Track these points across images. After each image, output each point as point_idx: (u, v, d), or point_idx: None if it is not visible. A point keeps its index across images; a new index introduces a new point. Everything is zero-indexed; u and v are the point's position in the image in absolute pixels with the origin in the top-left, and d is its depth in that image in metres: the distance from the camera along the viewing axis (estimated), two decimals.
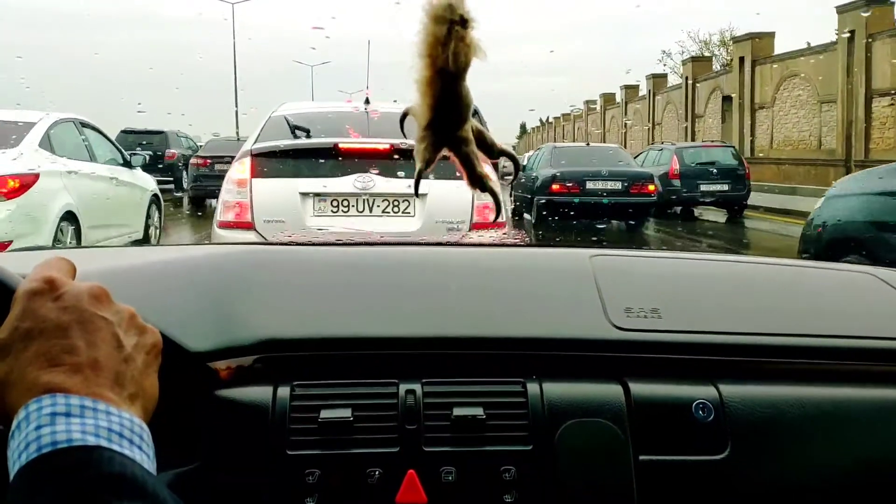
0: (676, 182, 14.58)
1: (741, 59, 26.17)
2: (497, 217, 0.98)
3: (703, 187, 14.44)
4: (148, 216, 8.42)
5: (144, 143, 15.66)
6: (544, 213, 11.23)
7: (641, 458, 0.87)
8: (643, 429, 0.88)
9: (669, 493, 0.87)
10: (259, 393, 0.87)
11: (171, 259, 1.18)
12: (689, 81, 31.35)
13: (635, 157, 16.02)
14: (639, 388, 0.91)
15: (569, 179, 11.24)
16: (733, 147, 17.99)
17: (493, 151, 0.82)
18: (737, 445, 0.88)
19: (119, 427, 0.49)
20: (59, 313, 0.52)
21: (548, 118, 56.54)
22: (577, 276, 1.07)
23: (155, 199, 8.76)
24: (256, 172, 3.95)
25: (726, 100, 27.73)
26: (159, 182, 9.76)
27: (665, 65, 42.64)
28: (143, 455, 0.50)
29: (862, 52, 19.85)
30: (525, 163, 13.23)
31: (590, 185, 10.93)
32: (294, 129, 4.15)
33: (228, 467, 0.84)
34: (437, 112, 0.72)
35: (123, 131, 16.93)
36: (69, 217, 6.41)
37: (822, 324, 1.02)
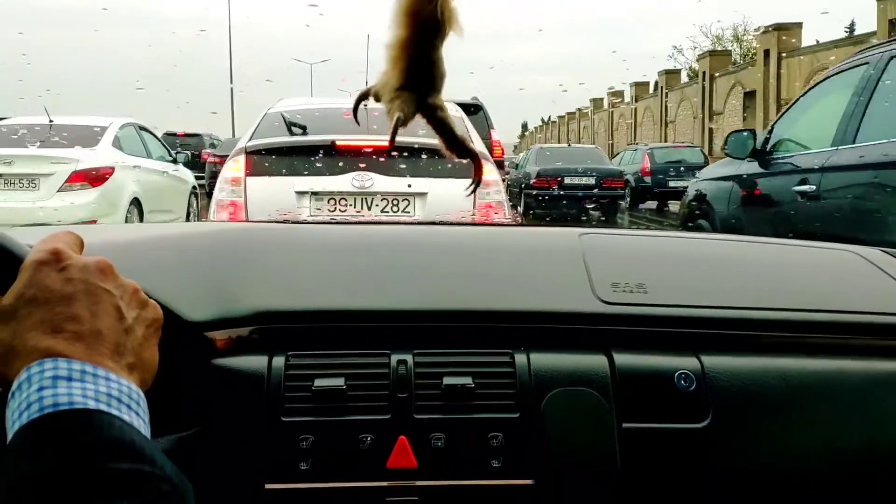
0: (648, 179, 17.59)
1: (766, 52, 26.01)
2: (477, 183, 0.94)
3: (672, 183, 16.79)
4: (189, 204, 10.66)
5: (184, 143, 18.67)
6: (529, 203, 14.12)
7: (625, 425, 0.95)
8: (627, 397, 0.96)
9: (652, 460, 0.95)
10: (255, 362, 0.96)
11: (170, 234, 1.27)
12: (707, 76, 30.79)
13: (614, 157, 20.19)
14: (623, 359, 0.98)
15: (550, 175, 14.26)
16: (700, 147, 20.74)
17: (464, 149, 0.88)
18: (718, 414, 0.96)
19: (118, 393, 0.54)
20: (64, 283, 0.57)
21: (549, 117, 57.97)
22: (566, 253, 1.16)
23: (194, 191, 11.09)
24: (251, 170, 4.05)
25: (749, 95, 27.34)
26: (196, 178, 12.22)
27: (676, 60, 43.07)
28: (140, 421, 0.56)
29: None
30: (518, 161, 16.24)
31: (567, 180, 13.90)
32: (290, 126, 4.27)
33: (225, 433, 0.92)
34: (410, 75, 0.77)
35: (166, 133, 19.43)
36: (135, 202, 8.59)
37: (803, 299, 1.09)
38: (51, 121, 8.73)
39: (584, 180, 13.98)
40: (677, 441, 0.94)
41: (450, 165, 3.76)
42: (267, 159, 4.18)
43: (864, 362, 1.02)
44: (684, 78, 37.41)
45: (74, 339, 0.55)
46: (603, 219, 14.64)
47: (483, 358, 0.97)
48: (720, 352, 1.00)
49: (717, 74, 30.61)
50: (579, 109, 49.24)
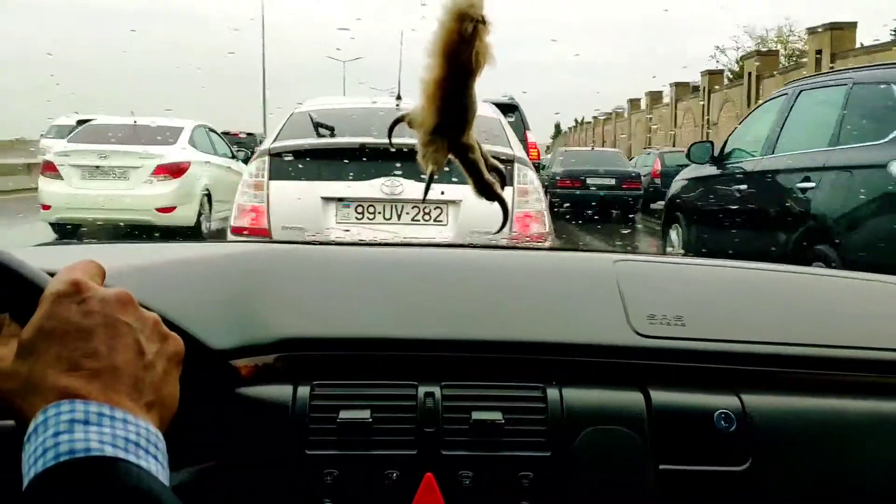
0: (658, 181, 18.53)
1: (818, 53, 25.19)
2: (503, 225, 0.85)
3: None
4: None
5: (240, 143, 20.25)
6: (554, 203, 15.60)
7: (662, 466, 0.94)
8: (664, 437, 0.95)
9: (689, 503, 0.94)
10: (279, 392, 0.97)
11: (192, 257, 1.29)
12: (753, 77, 30.69)
13: (631, 160, 22.03)
14: (660, 396, 0.98)
15: (574, 176, 16.10)
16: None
17: (485, 165, 0.87)
18: (759, 457, 0.95)
19: (136, 437, 0.54)
20: (83, 317, 0.57)
21: (583, 118, 58.27)
22: (601, 280, 1.16)
23: None
24: (274, 174, 3.99)
25: None
26: None
27: (718, 61, 42.55)
28: (158, 465, 0.55)
29: None
30: (544, 163, 17.97)
31: (590, 181, 15.73)
32: (317, 127, 4.13)
33: (246, 465, 0.93)
34: (443, 116, 0.79)
35: (223, 132, 22.38)
36: (206, 193, 10.26)
37: (846, 334, 1.09)
38: (135, 121, 10.65)
39: (606, 181, 15.74)
40: (716, 484, 0.94)
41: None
42: (291, 162, 4.09)
43: None
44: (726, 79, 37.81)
45: (92, 376, 0.55)
46: (622, 217, 16.29)
47: (514, 392, 0.98)
48: (762, 390, 1.00)
49: (762, 76, 30.12)
50: (615, 111, 49.67)
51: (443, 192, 3.98)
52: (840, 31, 24.42)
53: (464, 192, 3.93)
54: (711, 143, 6.87)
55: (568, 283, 1.19)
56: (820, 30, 24.99)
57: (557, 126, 73.97)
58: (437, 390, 0.97)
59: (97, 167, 9.37)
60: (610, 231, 14.15)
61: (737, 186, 5.95)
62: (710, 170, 6.48)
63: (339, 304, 1.10)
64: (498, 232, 1.12)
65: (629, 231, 15.17)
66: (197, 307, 1.02)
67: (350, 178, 4.08)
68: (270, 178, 4.05)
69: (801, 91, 5.69)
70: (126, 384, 0.57)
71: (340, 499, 0.91)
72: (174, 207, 9.65)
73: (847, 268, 3.98)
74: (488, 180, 0.86)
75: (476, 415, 0.94)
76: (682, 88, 38.96)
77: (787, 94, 5.87)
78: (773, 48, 36.86)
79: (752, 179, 5.68)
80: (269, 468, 0.93)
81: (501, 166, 0.90)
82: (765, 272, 1.31)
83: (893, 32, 32.12)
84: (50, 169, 9.41)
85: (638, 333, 1.04)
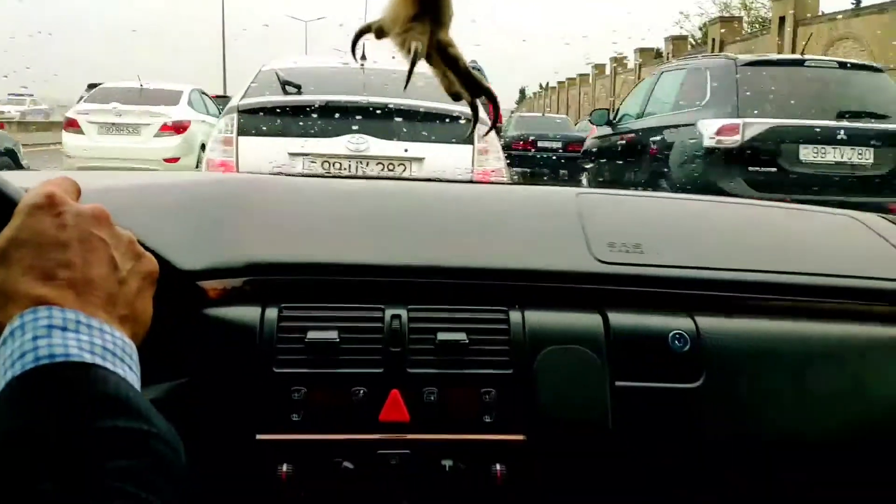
0: None
1: (781, 19, 25.16)
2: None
3: None
4: None
5: (217, 104, 22.90)
6: (510, 163, 18.40)
7: (617, 383, 1.01)
8: (620, 356, 1.03)
9: (643, 418, 1.02)
10: (247, 313, 1.01)
11: (165, 183, 1.34)
12: (717, 44, 30.46)
13: (576, 125, 24.07)
14: (618, 318, 1.05)
15: (525, 139, 18.31)
16: None
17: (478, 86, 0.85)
18: (711, 375, 1.03)
19: (112, 346, 0.56)
20: (58, 229, 0.59)
21: (548, 83, 58.96)
22: (564, 211, 1.24)
23: None
24: (243, 130, 4.28)
25: None
26: None
27: (682, 27, 42.61)
28: (133, 375, 0.58)
29: None
30: (505, 126, 20.51)
31: (540, 143, 18.05)
32: (284, 85, 4.43)
33: (216, 383, 0.98)
34: (420, 5, 0.78)
35: (215, 96, 24.42)
36: (202, 147, 11.12)
37: (799, 262, 1.17)
38: (141, 85, 12.71)
39: (553, 144, 18.02)
40: (669, 400, 1.02)
41: (447, 131, 4.25)
42: (259, 119, 4.34)
43: (860, 327, 1.10)
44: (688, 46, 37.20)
45: (66, 286, 0.57)
46: (570, 176, 18.64)
47: (478, 314, 1.04)
48: (715, 313, 1.08)
49: (726, 42, 29.87)
50: (580, 75, 49.84)
51: (406, 150, 4.33)
52: None
53: (426, 149, 4.14)
54: (607, 109, 9.30)
55: (532, 213, 1.27)
56: None
57: (522, 91, 75.93)
58: (403, 312, 1.03)
59: (113, 124, 11.17)
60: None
61: (620, 141, 8.35)
62: (607, 130, 8.66)
63: (308, 230, 1.16)
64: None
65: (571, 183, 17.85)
66: (167, 229, 1.06)
67: (317, 134, 4.33)
68: (239, 134, 4.31)
69: (662, 72, 8.32)
70: (100, 297, 0.59)
71: (308, 414, 0.97)
72: (178, 158, 11.29)
73: (673, 190, 6.33)
74: (476, 76, 0.86)
75: (441, 335, 1.00)
76: (646, 54, 39.38)
77: (654, 74, 8.54)
78: (737, 14, 36.72)
79: (629, 135, 7.97)
80: (239, 385, 0.98)
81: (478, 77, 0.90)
82: (720, 204, 1.41)
83: (854, 1, 34.07)
84: (72, 125, 11.22)
85: (598, 260, 1.12)
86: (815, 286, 1.14)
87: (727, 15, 35.67)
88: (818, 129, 6.13)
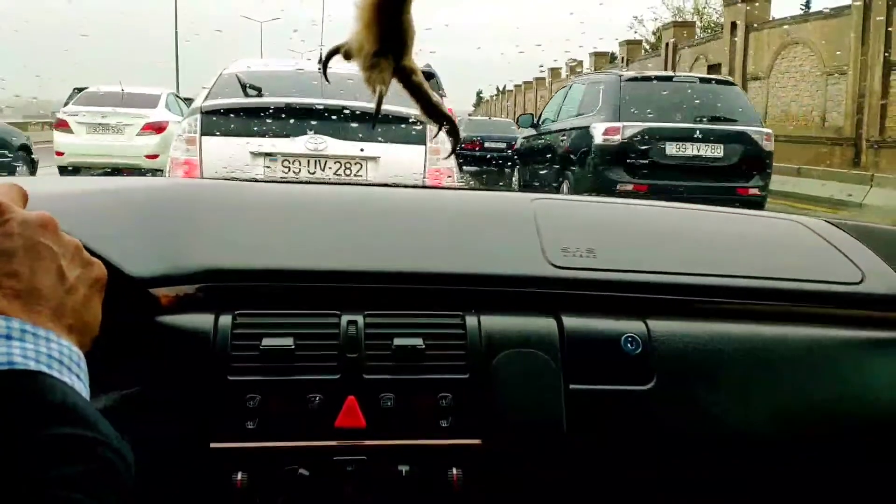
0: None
1: (733, 25, 25.86)
2: (455, 147, 0.92)
3: None
4: None
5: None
6: (460, 161, 20.84)
7: (572, 386, 1.05)
8: (574, 360, 1.06)
9: (597, 420, 1.05)
10: (200, 320, 1.02)
11: (114, 188, 1.32)
12: (671, 48, 30.80)
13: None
14: (571, 322, 1.09)
15: (473, 141, 20.41)
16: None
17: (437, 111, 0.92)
18: (662, 377, 1.07)
19: (59, 355, 0.57)
20: (4, 238, 0.59)
21: (504, 86, 60.17)
22: (519, 217, 1.28)
23: None
24: (205, 130, 4.64)
25: (713, 69, 26.75)
26: None
27: (636, 32, 43.45)
28: (81, 384, 0.58)
29: (883, 16, 18.99)
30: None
31: (487, 144, 20.41)
32: (245, 88, 4.81)
33: (170, 391, 0.98)
34: (383, 39, 0.82)
35: (186, 98, 25.87)
36: None
37: (748, 266, 1.22)
38: (122, 90, 13.91)
39: (499, 145, 20.22)
40: (622, 402, 1.06)
41: (401, 132, 4.63)
42: (222, 120, 4.66)
43: (806, 329, 1.15)
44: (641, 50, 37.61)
45: (13, 296, 0.57)
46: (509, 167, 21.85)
47: (434, 320, 1.07)
48: (666, 316, 1.12)
49: (679, 46, 30.37)
50: (536, 79, 51.27)
51: (362, 150, 4.68)
52: (755, 3, 24.86)
53: (381, 149, 4.65)
54: (532, 114, 11.58)
55: (488, 218, 1.31)
56: (738, 3, 25.13)
57: (479, 94, 78.33)
58: (359, 318, 1.05)
59: (99, 124, 12.66)
60: (497, 180, 19.04)
61: (541, 140, 10.07)
62: (532, 132, 10.54)
63: (261, 237, 1.17)
64: (451, 154, 0.87)
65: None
66: (116, 235, 1.06)
67: (277, 134, 4.66)
68: (202, 134, 4.63)
69: (573, 84, 10.67)
70: (47, 306, 0.59)
71: (263, 421, 0.97)
72: (158, 155, 12.28)
73: (574, 186, 8.41)
74: (435, 101, 0.91)
75: (398, 341, 1.02)
76: (601, 58, 40.30)
77: (567, 85, 11.00)
78: (689, 20, 37.51)
79: (547, 136, 9.91)
80: (192, 393, 0.98)
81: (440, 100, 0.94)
82: (672, 210, 1.44)
83: (803, 6, 31.83)
84: (62, 125, 12.75)
85: (552, 265, 1.16)
86: (764, 289, 1.19)
87: (680, 20, 36.48)
88: (680, 130, 8.29)
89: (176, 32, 32.22)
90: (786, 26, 23.66)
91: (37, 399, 0.54)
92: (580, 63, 43.76)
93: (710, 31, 34.94)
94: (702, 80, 9.40)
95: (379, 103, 0.86)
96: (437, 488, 1.01)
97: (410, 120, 4.60)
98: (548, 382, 1.06)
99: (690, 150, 8.29)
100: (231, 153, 4.70)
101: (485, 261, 1.18)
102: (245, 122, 4.84)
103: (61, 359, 0.57)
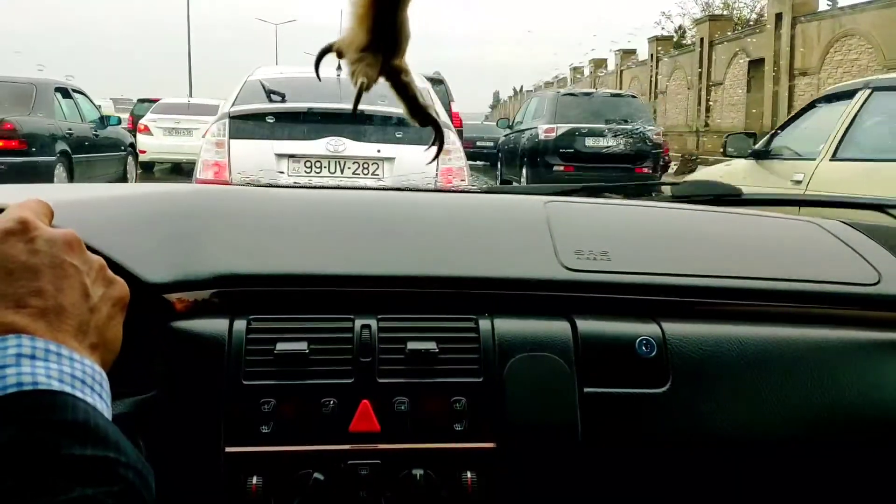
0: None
1: (777, 16, 25.45)
2: (439, 148, 1.07)
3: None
4: None
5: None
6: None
7: (586, 390, 1.10)
8: (588, 363, 1.11)
9: (612, 424, 1.09)
10: (215, 325, 1.08)
11: (129, 195, 1.41)
12: (706, 43, 31.01)
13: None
14: (585, 325, 1.14)
15: (467, 140, 24.17)
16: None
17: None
18: (677, 380, 1.12)
19: (82, 374, 0.61)
20: (30, 255, 0.64)
21: (521, 87, 63.66)
22: (532, 219, 1.34)
23: None
24: (234, 134, 5.50)
25: (754, 64, 27.30)
26: None
27: (664, 28, 44.19)
28: (103, 404, 0.62)
29: None
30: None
31: (478, 143, 24.06)
32: (269, 94, 5.67)
33: (185, 396, 1.04)
34: (374, 35, 0.87)
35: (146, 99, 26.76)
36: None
37: (763, 267, 1.26)
38: (188, 100, 17.81)
39: (488, 143, 24.20)
40: (637, 406, 1.11)
41: (416, 133, 5.30)
42: (248, 124, 5.63)
43: (823, 331, 1.20)
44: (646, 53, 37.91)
45: (38, 314, 0.62)
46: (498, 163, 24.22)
47: (447, 323, 1.13)
48: (681, 319, 1.18)
49: (715, 41, 30.36)
50: (556, 79, 54.81)
51: (379, 150, 5.49)
52: None
53: (396, 150, 5.92)
54: (507, 118, 14.82)
55: (500, 221, 1.38)
56: None
57: (496, 95, 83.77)
58: (373, 322, 1.11)
59: (173, 128, 16.76)
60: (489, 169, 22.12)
61: (512, 137, 13.63)
62: (508, 132, 14.61)
63: (276, 242, 1.23)
64: (434, 157, 1.15)
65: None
66: (131, 240, 1.13)
67: (299, 137, 5.49)
68: (231, 137, 5.48)
69: (533, 97, 14.57)
70: (71, 325, 0.64)
71: (278, 425, 1.03)
72: None
73: (528, 168, 13.28)
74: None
75: (411, 345, 1.09)
76: (627, 55, 40.95)
77: (535, 97, 14.93)
78: (718, 14, 36.21)
79: (514, 136, 14.03)
80: (207, 398, 1.05)
81: (437, 117, 0.99)
82: (686, 211, 1.53)
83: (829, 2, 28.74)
84: (145, 129, 16.91)
85: (565, 267, 1.22)
86: (779, 291, 1.24)
87: (716, 13, 35.89)
88: (595, 129, 12.28)
89: (189, 39, 35.67)
90: (839, 17, 22.78)
91: (60, 419, 0.57)
92: (604, 61, 44.95)
93: (744, 25, 33.35)
94: (612, 94, 14.76)
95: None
96: (451, 492, 1.06)
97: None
98: (562, 386, 1.12)
99: (602, 142, 12.62)
100: (257, 155, 5.46)
101: (498, 264, 1.24)
102: (269, 125, 5.60)
103: (84, 378, 0.61)
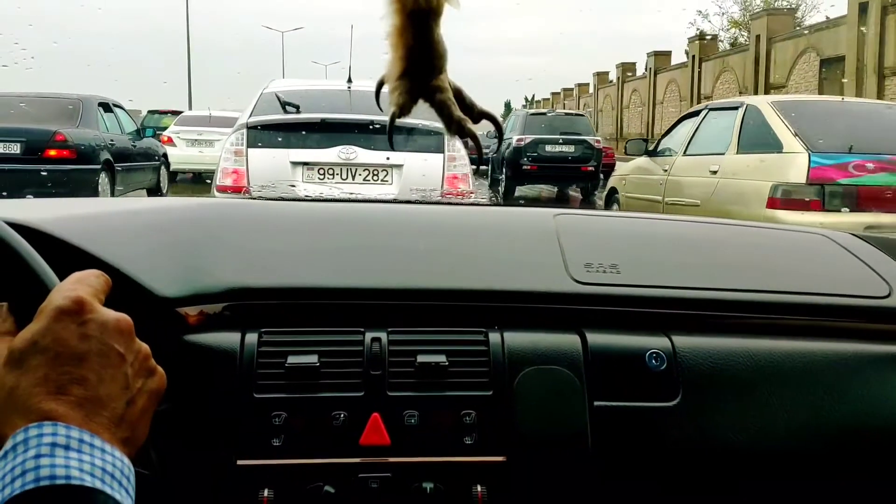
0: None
1: (861, 7, 23.14)
2: (479, 164, 1.02)
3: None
4: None
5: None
6: (474, 169, 26.22)
7: (596, 403, 1.13)
8: (598, 376, 1.15)
9: (622, 437, 1.12)
10: (227, 339, 1.12)
11: (141, 209, 1.45)
12: (763, 40, 29.13)
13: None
14: (595, 338, 1.18)
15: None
16: None
17: (472, 112, 1.07)
18: (688, 393, 1.15)
19: (112, 468, 0.65)
20: (80, 340, 0.68)
21: (533, 97, 64.98)
22: (541, 232, 1.41)
23: None
24: (251, 143, 6.07)
25: (828, 63, 25.25)
26: None
27: (699, 28, 40.98)
28: (129, 500, 0.65)
29: None
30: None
31: (484, 150, 24.19)
32: (284, 105, 6.22)
33: (197, 409, 1.07)
34: (409, 62, 0.93)
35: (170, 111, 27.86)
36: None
37: (773, 280, 1.30)
38: (209, 114, 18.61)
39: (485, 151, 24.83)
40: (648, 419, 1.16)
41: (422, 142, 6.11)
42: (265, 134, 6.23)
43: (833, 344, 1.25)
44: (684, 54, 36.42)
45: (77, 404, 0.66)
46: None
47: (457, 336, 1.18)
48: (691, 332, 1.23)
49: (774, 38, 28.14)
50: (564, 90, 56.18)
51: (388, 158, 6.12)
52: None
53: (404, 158, 7.11)
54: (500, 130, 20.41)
55: (510, 235, 1.45)
56: None
57: (507, 104, 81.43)
58: (383, 336, 1.16)
59: (195, 139, 17.87)
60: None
61: (498, 152, 15.88)
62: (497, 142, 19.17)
63: (287, 255, 1.29)
64: (477, 169, 1.23)
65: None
66: (143, 254, 1.18)
67: (314, 146, 6.11)
68: (248, 147, 6.16)
69: (516, 114, 17.76)
70: (107, 417, 0.68)
71: (289, 438, 1.07)
72: None
73: (505, 168, 17.09)
74: (458, 118, 1.04)
75: (421, 358, 1.14)
76: (661, 59, 39.12)
77: (513, 115, 18.17)
78: (779, 7, 33.91)
79: (504, 143, 15.55)
80: (219, 411, 1.09)
81: (491, 111, 1.11)
82: (696, 224, 1.61)
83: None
84: (169, 141, 17.64)
85: (575, 280, 1.27)
86: (790, 304, 1.29)
87: (776, 7, 33.34)
88: (552, 139, 15.62)
89: (188, 50, 37.38)
90: None
91: None
92: (633, 65, 44.70)
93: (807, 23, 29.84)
94: (566, 114, 18.93)
95: (391, 125, 1.02)
96: None
97: (430, 131, 5.89)
98: (572, 399, 1.16)
99: (557, 148, 16.02)
100: (273, 163, 6.11)
101: (508, 277, 1.30)
102: (285, 135, 6.26)
103: (114, 472, 0.65)
